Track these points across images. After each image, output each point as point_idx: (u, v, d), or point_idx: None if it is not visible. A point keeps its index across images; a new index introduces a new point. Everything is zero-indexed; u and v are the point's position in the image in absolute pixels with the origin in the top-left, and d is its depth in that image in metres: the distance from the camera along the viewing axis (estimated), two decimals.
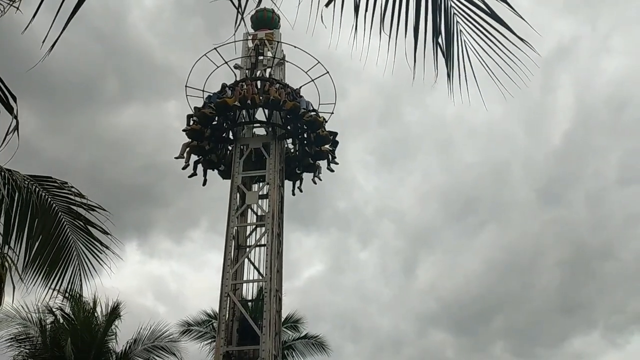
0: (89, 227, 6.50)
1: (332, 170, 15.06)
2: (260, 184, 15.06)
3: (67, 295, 6.75)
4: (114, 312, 17.10)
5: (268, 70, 16.03)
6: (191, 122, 14.19)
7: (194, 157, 14.74)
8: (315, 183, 15.47)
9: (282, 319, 14.64)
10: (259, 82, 15.18)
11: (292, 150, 15.57)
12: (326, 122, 14.91)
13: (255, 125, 15.32)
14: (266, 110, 14.57)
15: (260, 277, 13.08)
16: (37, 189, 6.07)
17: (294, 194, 15.93)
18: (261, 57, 16.13)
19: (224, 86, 14.68)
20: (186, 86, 15.31)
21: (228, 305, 12.36)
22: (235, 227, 14.05)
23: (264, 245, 13.57)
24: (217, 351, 12.03)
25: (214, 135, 14.49)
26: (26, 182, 5.96)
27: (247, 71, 15.70)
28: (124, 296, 17.78)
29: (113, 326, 17.11)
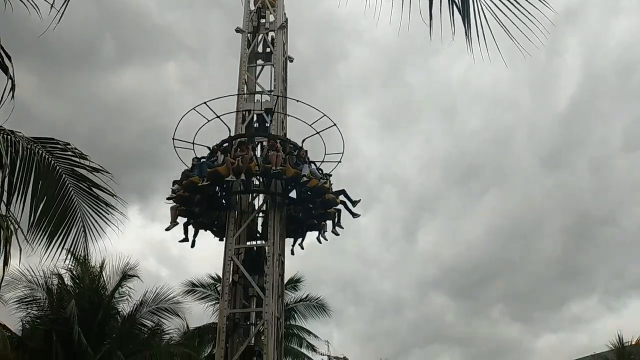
0: (93, 189, 6.52)
1: (337, 234, 13.62)
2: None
3: (72, 256, 6.77)
4: (124, 274, 17.46)
5: (270, 34, 15.66)
6: (177, 189, 12.63)
7: (182, 218, 13.12)
8: (320, 242, 13.92)
9: (285, 282, 14.82)
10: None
11: (292, 212, 13.95)
12: (331, 185, 13.31)
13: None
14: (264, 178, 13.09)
15: (263, 242, 13.19)
16: (39, 151, 6.06)
17: (292, 253, 14.21)
18: (263, 21, 15.77)
19: (214, 150, 13.14)
20: (174, 139, 13.72)
21: (232, 269, 12.52)
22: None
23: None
24: (220, 313, 12.25)
25: (204, 201, 12.92)
26: (28, 144, 5.95)
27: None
28: (126, 259, 18.04)
29: (125, 288, 17.49)
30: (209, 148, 13.54)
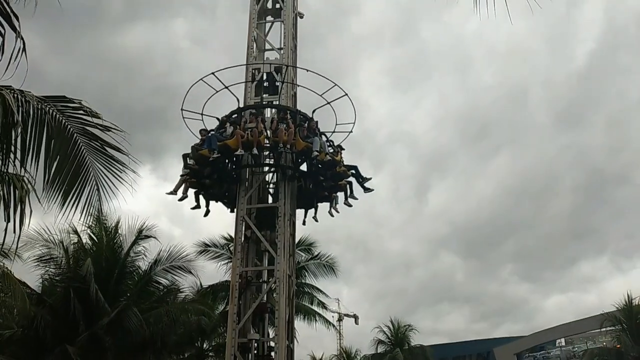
0: (106, 148, 6.52)
1: (349, 205, 13.43)
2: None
3: (87, 214, 6.81)
4: (140, 234, 17.75)
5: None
6: (188, 162, 12.51)
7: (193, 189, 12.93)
8: (332, 215, 13.73)
9: (296, 242, 14.97)
10: (268, 109, 13.50)
11: (303, 185, 13.61)
12: (342, 158, 12.96)
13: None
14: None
15: (275, 202, 13.24)
16: (50, 110, 6.04)
17: (304, 224, 14.19)
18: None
19: (223, 121, 12.92)
20: (182, 109, 13.49)
21: (244, 228, 12.66)
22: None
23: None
24: (233, 271, 12.46)
25: (214, 173, 12.71)
26: (39, 103, 5.93)
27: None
28: (141, 220, 18.32)
29: (140, 247, 17.82)
30: (218, 119, 13.30)
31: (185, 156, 12.75)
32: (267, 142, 12.23)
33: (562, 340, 79.90)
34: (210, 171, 12.46)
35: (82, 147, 6.42)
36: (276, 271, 12.04)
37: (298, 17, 15.58)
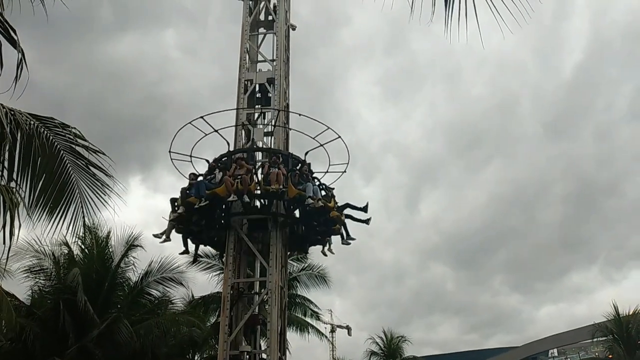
0: (91, 167, 6.60)
1: (347, 244, 13.12)
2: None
3: (72, 230, 6.84)
4: (129, 244, 17.65)
5: (272, 1, 15.23)
6: (176, 208, 12.18)
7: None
8: (325, 255, 13.70)
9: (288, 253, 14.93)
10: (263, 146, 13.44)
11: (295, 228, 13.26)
12: (336, 203, 12.68)
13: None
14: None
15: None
16: (39, 128, 6.11)
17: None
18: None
19: (212, 167, 12.56)
20: (170, 151, 13.22)
21: (234, 239, 12.62)
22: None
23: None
24: (225, 282, 12.41)
25: (203, 219, 12.33)
26: (29, 121, 5.99)
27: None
28: (131, 230, 18.24)
29: (130, 258, 17.70)
30: (207, 161, 13.11)
31: (173, 200, 12.49)
32: (258, 189, 11.89)
33: (555, 350, 79.95)
34: (199, 217, 12.11)
35: (68, 165, 6.49)
36: (268, 282, 12.01)
37: (290, 29, 15.70)
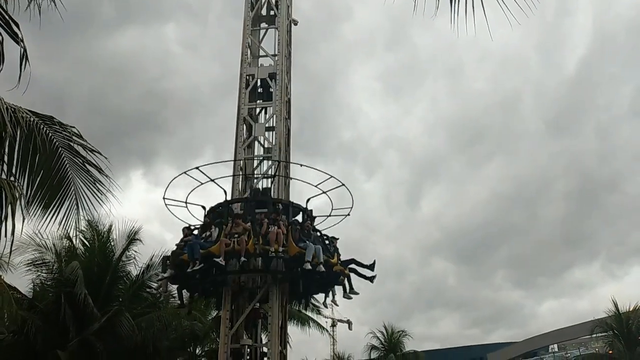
0: (87, 166, 6.67)
1: (350, 298, 12.71)
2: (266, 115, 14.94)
3: (66, 226, 6.90)
4: (130, 238, 17.71)
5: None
6: (168, 266, 11.98)
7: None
8: (326, 307, 13.71)
9: None
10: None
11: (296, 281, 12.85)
12: (339, 257, 12.40)
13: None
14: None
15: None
16: (39, 125, 6.16)
17: (305, 308, 15.69)
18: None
19: (207, 224, 12.20)
20: (164, 198, 13.07)
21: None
22: (243, 160, 14.07)
23: (271, 176, 13.65)
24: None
25: (198, 274, 11.72)
26: (28, 118, 6.04)
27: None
28: (132, 224, 18.30)
29: (131, 251, 17.76)
30: (203, 207, 12.89)
31: (165, 259, 12.33)
32: (256, 249, 11.37)
33: (555, 346, 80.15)
34: (193, 273, 11.58)
35: (66, 162, 6.54)
36: (269, 277, 12.04)
37: (292, 24, 15.68)
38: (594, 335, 38.33)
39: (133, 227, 17.93)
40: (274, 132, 14.34)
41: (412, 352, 40.77)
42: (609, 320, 35.08)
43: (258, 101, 14.95)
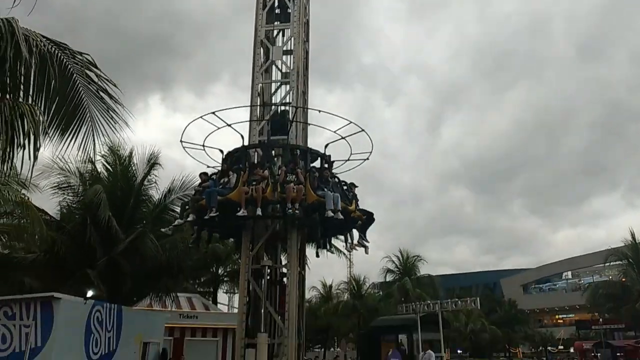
0: (102, 93, 6.64)
1: (364, 246, 12.70)
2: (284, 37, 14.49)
3: (84, 152, 6.98)
4: (151, 162, 17.96)
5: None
6: (187, 212, 12.01)
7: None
8: (349, 251, 14.19)
9: None
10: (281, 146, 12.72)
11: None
12: (357, 202, 12.40)
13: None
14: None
15: (285, 136, 13.17)
16: (54, 50, 6.08)
17: (318, 256, 16.17)
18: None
19: (225, 170, 12.16)
20: (181, 141, 13.03)
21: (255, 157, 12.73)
22: (260, 84, 13.84)
23: (289, 103, 13.47)
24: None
25: (217, 219, 11.63)
26: (44, 43, 5.96)
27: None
28: (151, 149, 18.50)
29: (152, 175, 18.07)
30: (220, 151, 12.83)
31: (184, 205, 12.42)
32: (274, 196, 11.36)
33: (569, 273, 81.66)
34: (211, 219, 11.60)
35: (81, 89, 6.51)
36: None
37: None
38: (608, 264, 38.82)
39: (152, 152, 18.15)
40: (291, 56, 13.97)
41: (426, 275, 42.00)
42: (625, 249, 35.33)
43: (275, 23, 14.47)
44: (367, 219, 12.71)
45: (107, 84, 6.70)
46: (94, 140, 6.71)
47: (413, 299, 33.52)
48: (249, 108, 13.56)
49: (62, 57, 6.23)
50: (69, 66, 6.32)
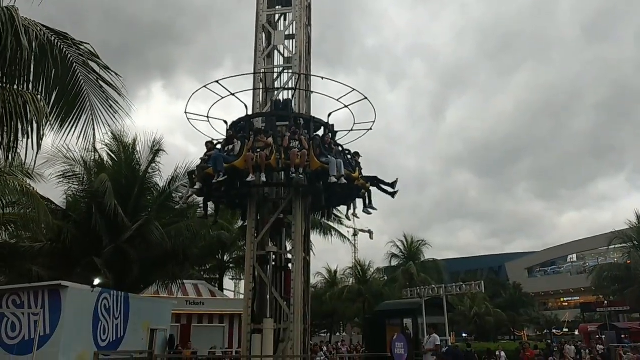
0: (102, 83, 6.62)
1: (369, 213, 12.72)
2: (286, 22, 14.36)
3: (85, 140, 6.97)
4: (154, 150, 17.97)
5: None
6: (195, 180, 11.93)
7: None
8: (349, 219, 14.04)
9: None
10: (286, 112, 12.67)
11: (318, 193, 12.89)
12: (361, 170, 12.36)
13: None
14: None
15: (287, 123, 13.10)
16: (53, 39, 6.06)
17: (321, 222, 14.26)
18: None
19: (230, 137, 12.15)
20: (186, 112, 13.00)
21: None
22: (263, 70, 13.75)
23: (292, 88, 13.38)
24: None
25: (223, 187, 11.81)
26: (44, 33, 5.95)
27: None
28: (154, 135, 18.52)
29: (156, 163, 18.10)
30: (225, 122, 12.83)
31: (191, 174, 12.37)
32: (279, 164, 11.44)
33: (574, 256, 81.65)
34: (218, 186, 11.70)
35: (81, 78, 6.49)
36: (292, 190, 12.21)
37: None
38: (612, 247, 38.77)
39: (155, 139, 18.16)
40: (294, 41, 13.85)
41: (431, 260, 42.10)
42: (629, 232, 35.26)
43: (277, 7, 14.32)
44: (373, 182, 12.77)
45: (108, 73, 6.67)
46: (94, 129, 6.69)
47: (418, 283, 33.65)
48: (252, 78, 13.55)
49: (62, 46, 6.22)
50: (69, 56, 6.31)
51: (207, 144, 12.36)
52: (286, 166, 11.41)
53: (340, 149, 12.48)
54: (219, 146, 12.19)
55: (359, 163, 12.51)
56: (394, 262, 42.39)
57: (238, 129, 12.57)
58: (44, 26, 6.07)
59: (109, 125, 6.92)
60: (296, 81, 13.19)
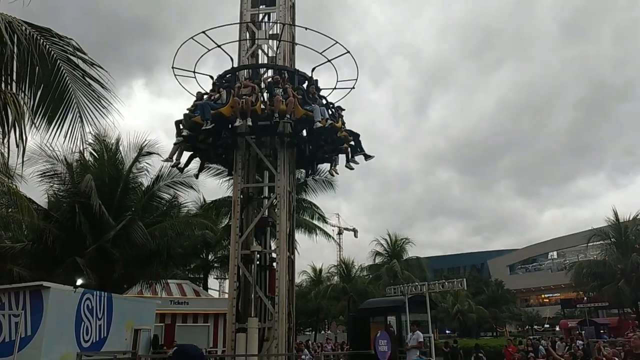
0: (87, 79, 6.56)
1: (351, 168, 13.08)
2: (270, 22, 14.39)
3: (71, 139, 6.90)
4: (141, 151, 17.87)
5: None
6: (181, 129, 12.02)
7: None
8: (332, 175, 14.19)
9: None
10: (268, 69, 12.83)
11: (302, 147, 13.26)
12: (344, 123, 12.56)
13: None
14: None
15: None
16: (37, 37, 5.98)
17: (306, 181, 14.87)
18: None
19: (216, 86, 12.38)
20: (173, 67, 13.14)
21: (243, 147, 12.71)
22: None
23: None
24: (235, 187, 12.68)
25: (209, 137, 12.11)
26: (26, 30, 5.87)
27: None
28: (141, 136, 18.41)
29: (143, 164, 17.99)
30: (211, 77, 12.99)
31: (178, 123, 12.36)
32: (264, 110, 11.62)
33: (555, 253, 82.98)
34: (205, 136, 11.93)
35: (66, 75, 6.41)
36: (277, 187, 12.27)
37: None
38: (590, 244, 39.54)
39: (145, 140, 18.06)
40: (278, 43, 13.88)
41: (414, 258, 42.49)
42: (607, 229, 36.00)
43: (261, 6, 14.34)
44: (355, 138, 12.95)
45: (94, 69, 6.60)
46: (82, 126, 6.64)
47: (401, 280, 33.94)
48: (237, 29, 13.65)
49: (45, 43, 6.13)
50: (52, 52, 6.22)
51: (197, 94, 12.55)
52: (271, 112, 11.57)
53: (324, 101, 12.72)
54: (206, 97, 12.32)
55: (342, 116, 12.75)
56: (378, 260, 42.72)
57: (224, 81, 12.73)
58: (25, 22, 5.98)
59: (98, 122, 6.85)
60: (280, 30, 13.36)
